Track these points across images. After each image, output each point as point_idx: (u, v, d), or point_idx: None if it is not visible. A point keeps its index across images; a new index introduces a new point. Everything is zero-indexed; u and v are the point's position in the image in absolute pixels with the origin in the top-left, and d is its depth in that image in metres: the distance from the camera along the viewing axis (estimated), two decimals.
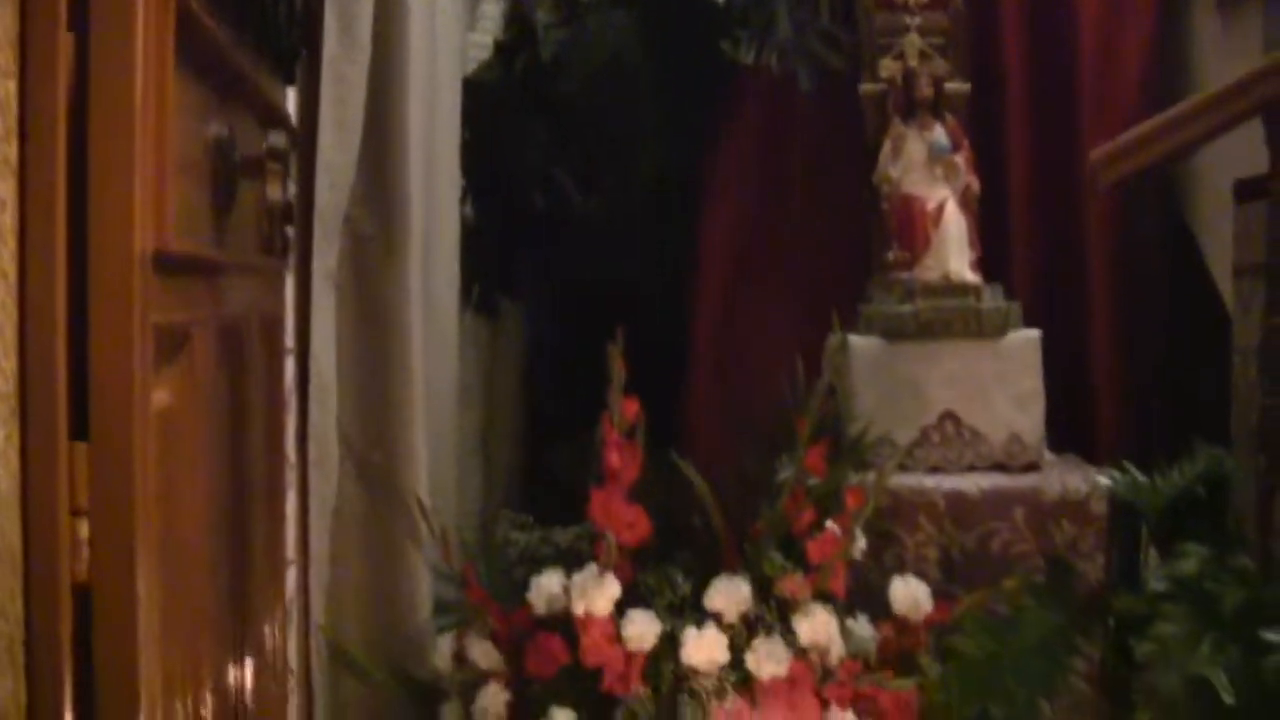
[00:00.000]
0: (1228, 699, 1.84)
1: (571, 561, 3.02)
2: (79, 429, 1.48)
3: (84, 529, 1.47)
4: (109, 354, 1.49)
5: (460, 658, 3.02)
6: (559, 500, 3.27)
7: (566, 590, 2.93)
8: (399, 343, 3.10)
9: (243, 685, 2.14)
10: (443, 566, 3.13)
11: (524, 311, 4.03)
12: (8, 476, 1.39)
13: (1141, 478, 2.44)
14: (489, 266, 3.72)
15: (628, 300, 3.69)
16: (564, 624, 2.93)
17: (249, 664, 2.19)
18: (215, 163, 1.90)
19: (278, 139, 2.07)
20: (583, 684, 2.89)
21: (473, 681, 3.00)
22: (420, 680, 3.09)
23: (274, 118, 2.18)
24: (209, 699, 1.92)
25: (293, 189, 2.69)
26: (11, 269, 1.41)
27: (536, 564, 3.06)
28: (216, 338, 1.97)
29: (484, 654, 2.98)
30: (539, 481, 3.76)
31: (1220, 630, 1.99)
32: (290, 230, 2.66)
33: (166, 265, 1.61)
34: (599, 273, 3.84)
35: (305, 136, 2.81)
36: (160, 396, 1.63)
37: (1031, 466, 3.45)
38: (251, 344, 2.22)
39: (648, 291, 3.86)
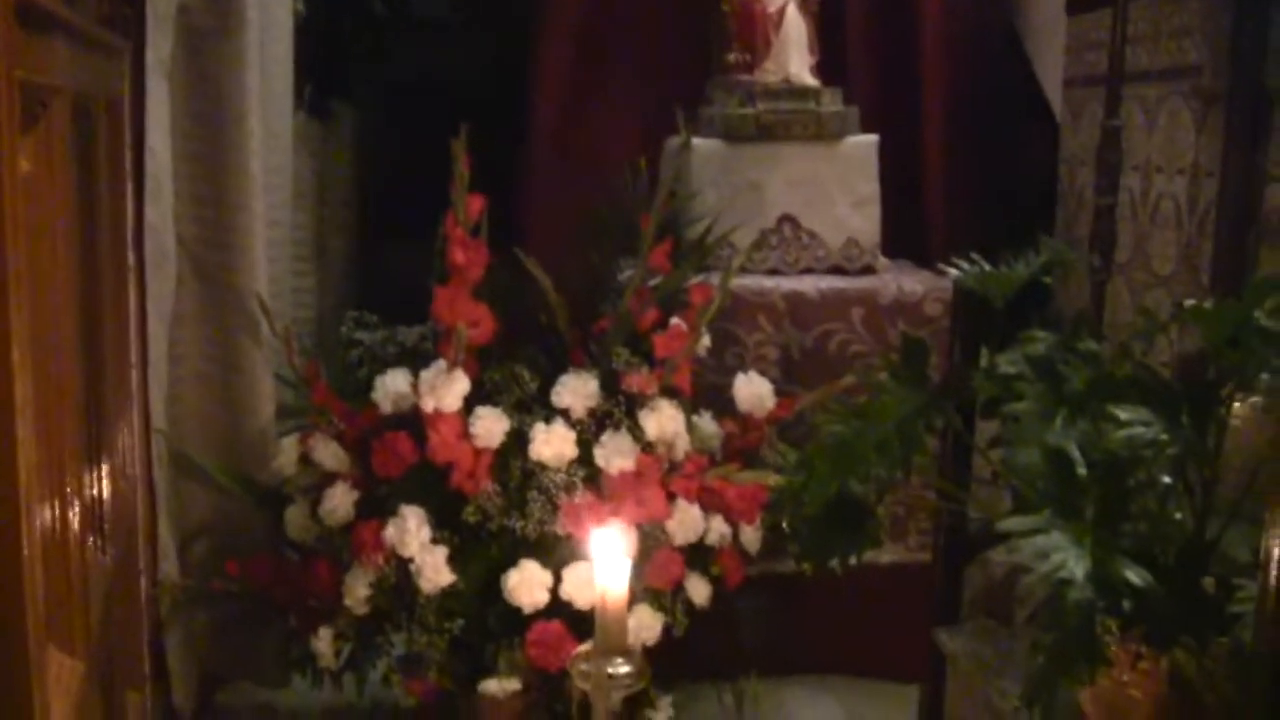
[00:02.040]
0: (1081, 470, 1.90)
1: (417, 361, 2.99)
2: None
3: None
4: None
5: (305, 459, 2.98)
6: (397, 301, 3.22)
7: (413, 388, 2.90)
8: (237, 140, 3.00)
9: (99, 483, 2.09)
10: (285, 368, 3.08)
11: (357, 113, 3.93)
12: None
13: (989, 268, 2.49)
14: (322, 66, 3.61)
15: (464, 101, 3.62)
16: (411, 422, 2.91)
17: (105, 466, 2.14)
18: None
19: None
20: (431, 482, 2.88)
21: (319, 483, 2.97)
22: (264, 483, 3.05)
23: None
24: (73, 494, 1.87)
25: None
26: None
27: (381, 363, 3.02)
28: (70, 112, 1.89)
29: (330, 454, 2.95)
30: (375, 282, 3.71)
31: (1071, 406, 2.05)
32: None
33: (29, 19, 1.53)
34: (435, 73, 3.76)
35: None
36: (21, 164, 1.56)
37: (868, 269, 3.51)
38: (100, 126, 2.14)
39: (485, 92, 3.79)
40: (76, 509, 1.86)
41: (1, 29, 1.44)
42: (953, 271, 2.61)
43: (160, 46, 2.81)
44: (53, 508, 1.71)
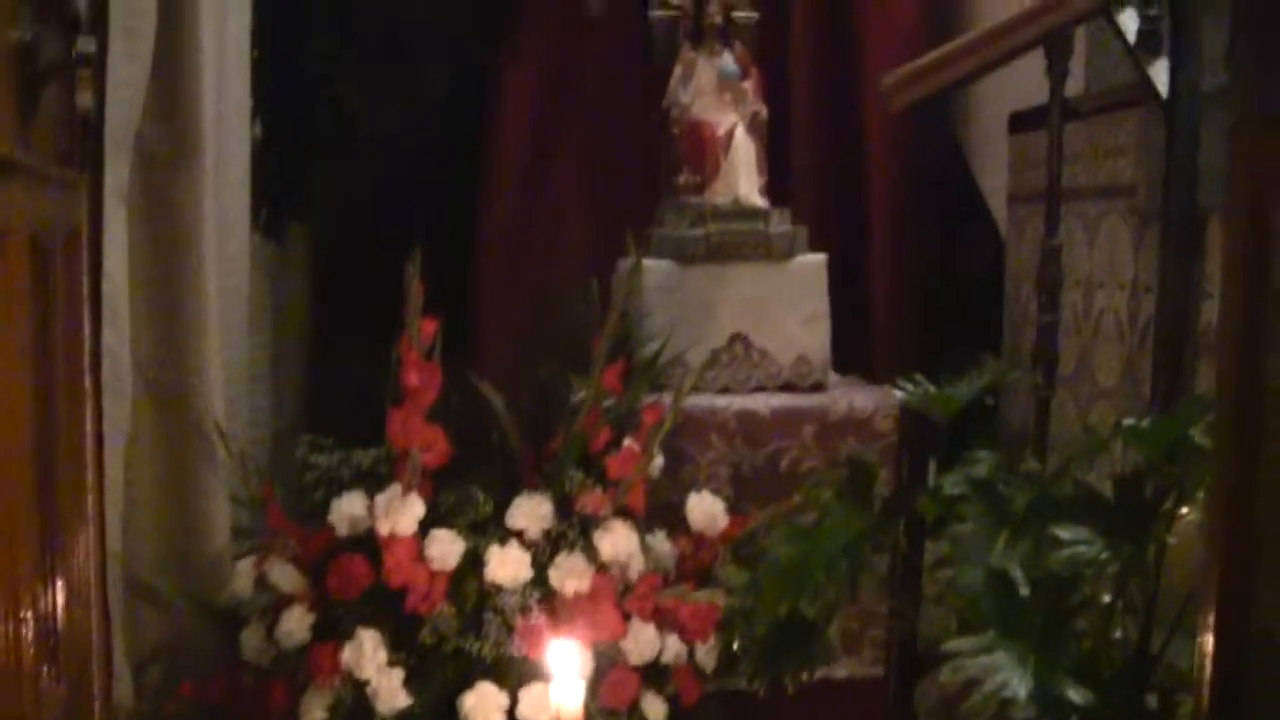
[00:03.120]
0: (1023, 590, 1.95)
1: (371, 483, 3.01)
2: None
3: None
4: None
5: (261, 582, 2.99)
6: (351, 422, 3.24)
7: (369, 511, 2.92)
8: (192, 264, 3.04)
9: (54, 609, 2.10)
10: (240, 491, 3.10)
11: (311, 233, 3.98)
12: None
13: (933, 388, 2.55)
14: (277, 188, 3.66)
15: (417, 218, 3.68)
16: (367, 545, 2.93)
17: (59, 587, 2.14)
18: (20, 68, 1.85)
19: (88, 45, 2.01)
20: (387, 604, 2.90)
21: (274, 605, 2.97)
22: (219, 605, 3.05)
23: (82, 23, 2.13)
24: (27, 619, 1.88)
25: None
26: None
27: (336, 486, 3.04)
28: (28, 249, 1.92)
29: (285, 577, 2.96)
30: (330, 404, 3.73)
31: (1013, 527, 2.10)
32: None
33: None
34: (387, 191, 3.82)
35: (97, 46, 2.73)
36: None
37: (818, 386, 3.56)
38: (56, 262, 2.17)
39: (438, 208, 3.85)
40: (31, 636, 1.87)
41: None
42: (898, 393, 2.67)
43: (118, 174, 2.85)
44: (6, 635, 1.72)
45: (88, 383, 2.70)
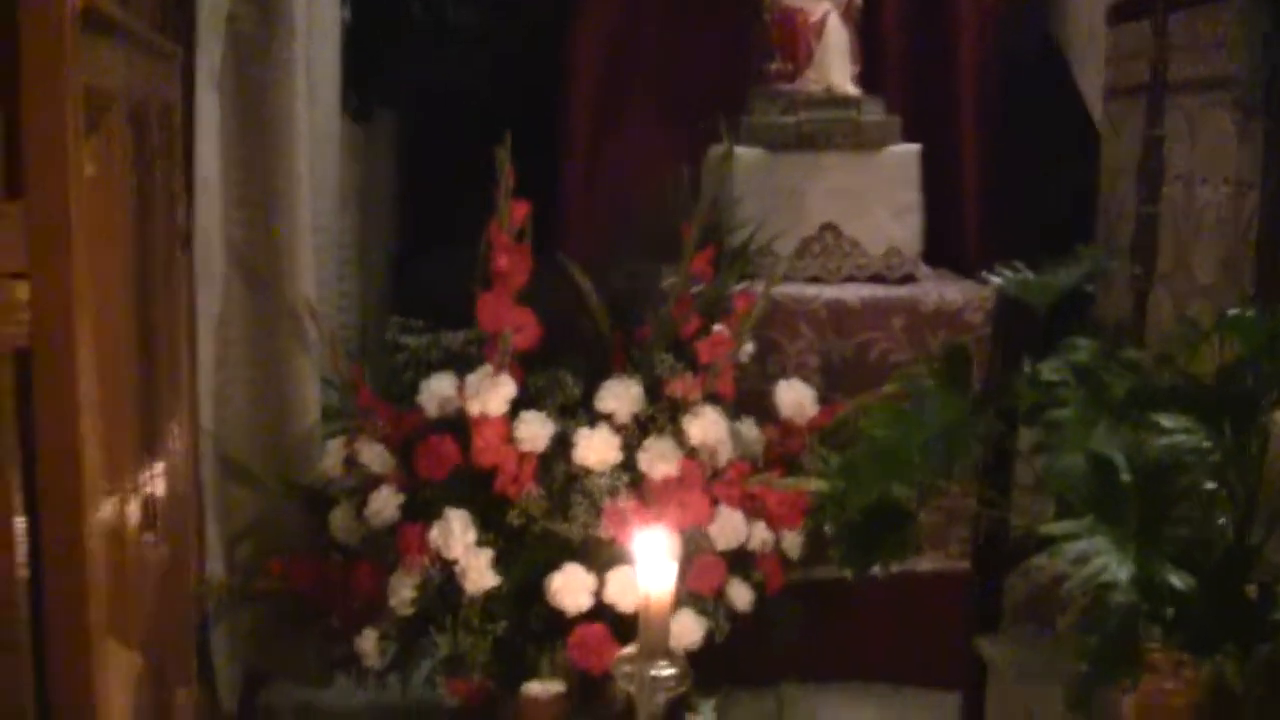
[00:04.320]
0: (1124, 476, 1.91)
1: (461, 365, 3.02)
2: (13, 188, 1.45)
3: (22, 291, 1.44)
4: (42, 111, 1.45)
5: (350, 462, 3.01)
6: (438, 304, 3.25)
7: (459, 392, 2.93)
8: (283, 146, 3.04)
9: (155, 484, 2.13)
10: (330, 372, 3.11)
11: (399, 118, 3.97)
12: None
13: (1031, 275, 2.51)
14: (366, 72, 3.64)
15: (505, 102, 3.67)
16: (456, 426, 2.94)
17: (160, 464, 2.17)
18: None
19: None
20: (475, 485, 2.91)
21: (363, 485, 3.00)
22: (309, 485, 3.08)
23: None
24: (131, 487, 1.91)
25: None
26: None
27: (426, 367, 3.05)
28: (127, 115, 1.92)
29: (375, 457, 2.98)
30: (417, 286, 3.74)
31: (1113, 414, 2.06)
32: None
33: (90, 22, 1.56)
34: (474, 76, 3.79)
35: None
36: (85, 167, 1.60)
37: (909, 278, 3.52)
38: (151, 131, 2.17)
39: (525, 95, 3.83)
40: (134, 505, 1.90)
41: (66, 33, 1.47)
42: (995, 279, 2.63)
43: (210, 53, 2.85)
44: (112, 503, 1.74)
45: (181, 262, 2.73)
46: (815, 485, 2.83)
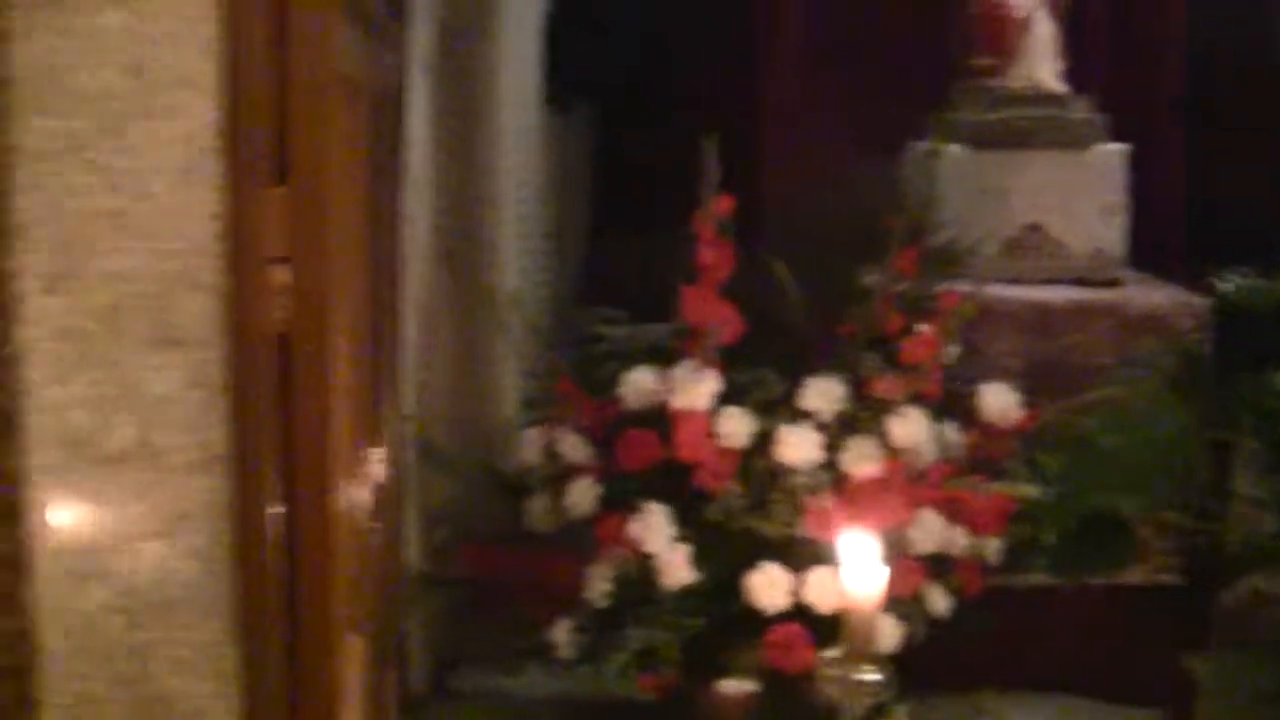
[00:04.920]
0: None
1: (661, 358, 3.00)
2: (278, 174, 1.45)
3: (285, 276, 1.45)
4: (307, 98, 1.45)
5: (549, 451, 3.01)
6: (631, 295, 3.23)
7: (661, 385, 2.91)
8: (489, 133, 3.06)
9: (378, 471, 2.14)
10: (530, 361, 3.12)
11: (593, 106, 3.97)
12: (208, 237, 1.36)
13: (1259, 281, 2.42)
14: (564, 60, 3.64)
15: (704, 96, 3.65)
16: (656, 419, 2.92)
17: (382, 451, 2.18)
18: None
19: None
20: (674, 479, 2.89)
21: (561, 475, 2.99)
22: (506, 473, 3.09)
23: None
24: (362, 482, 1.91)
25: None
26: (214, 13, 1.36)
27: (626, 359, 3.03)
28: (369, 106, 1.93)
29: (574, 447, 2.97)
30: (611, 276, 3.73)
31: None
32: None
33: (352, 15, 1.57)
34: (672, 68, 3.78)
35: None
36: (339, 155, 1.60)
37: (1114, 281, 3.43)
38: (384, 117, 2.18)
39: (723, 87, 3.80)
40: (365, 492, 1.91)
41: (336, 26, 1.48)
42: (1221, 285, 2.55)
43: (422, 41, 2.87)
44: (352, 491, 1.75)
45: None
46: (1027, 491, 2.77)
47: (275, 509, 1.43)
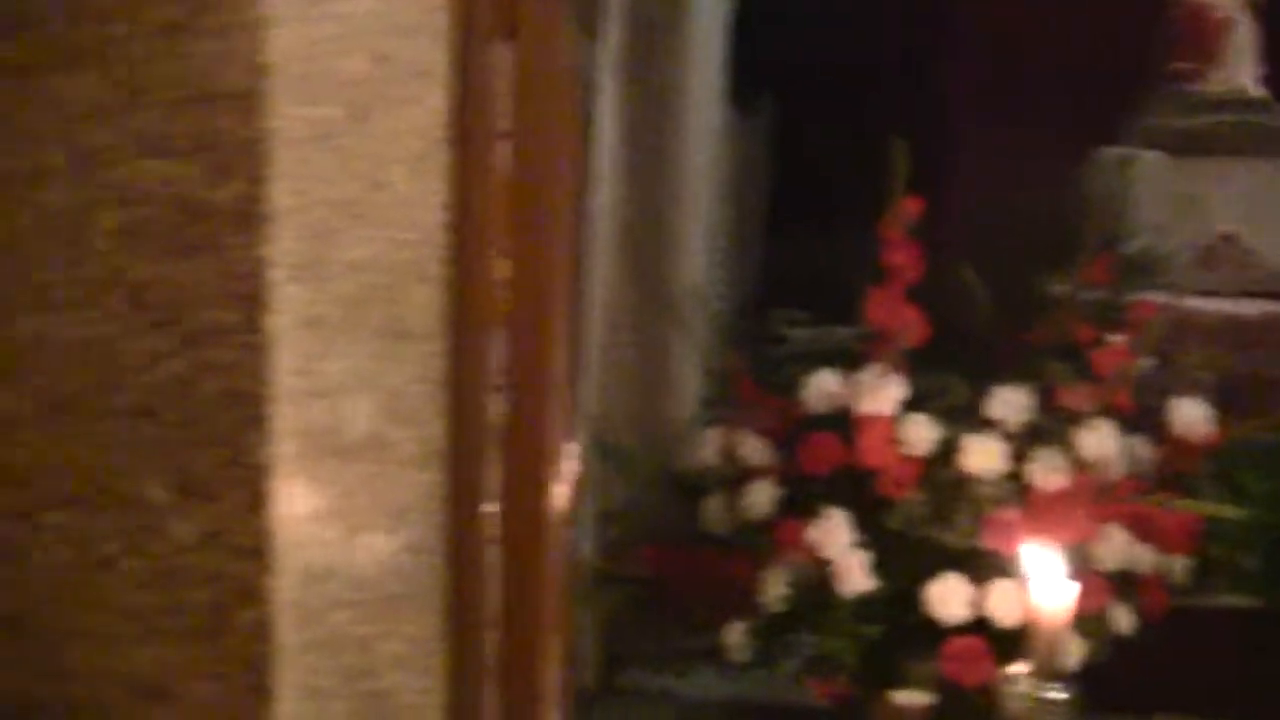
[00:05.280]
0: None
1: (843, 361, 2.96)
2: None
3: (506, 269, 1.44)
4: (537, 91, 1.44)
5: (728, 452, 2.98)
6: (806, 296, 3.20)
7: (844, 388, 2.87)
8: (675, 132, 3.04)
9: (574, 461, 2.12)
10: (709, 360, 3.10)
11: (775, 103, 3.94)
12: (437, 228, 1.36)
13: None
14: (748, 57, 3.61)
15: (887, 96, 3.60)
16: (837, 423, 2.88)
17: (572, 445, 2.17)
18: None
19: None
20: (855, 484, 2.85)
21: (739, 477, 2.96)
22: (683, 472, 3.07)
23: None
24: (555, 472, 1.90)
25: None
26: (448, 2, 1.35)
27: (808, 361, 3.00)
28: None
29: (754, 449, 2.94)
30: (790, 275, 3.69)
31: None
32: None
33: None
34: (856, 68, 3.73)
35: None
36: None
37: None
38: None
39: (907, 87, 3.75)
40: (565, 490, 1.89)
41: (558, 17, 1.47)
42: None
43: (613, 39, 2.86)
44: (556, 488, 1.74)
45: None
46: (1230, 512, 2.68)
47: (490, 505, 1.42)
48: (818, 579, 2.84)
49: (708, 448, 3.02)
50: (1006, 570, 2.75)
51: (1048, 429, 2.86)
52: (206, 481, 1.24)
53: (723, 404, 3.09)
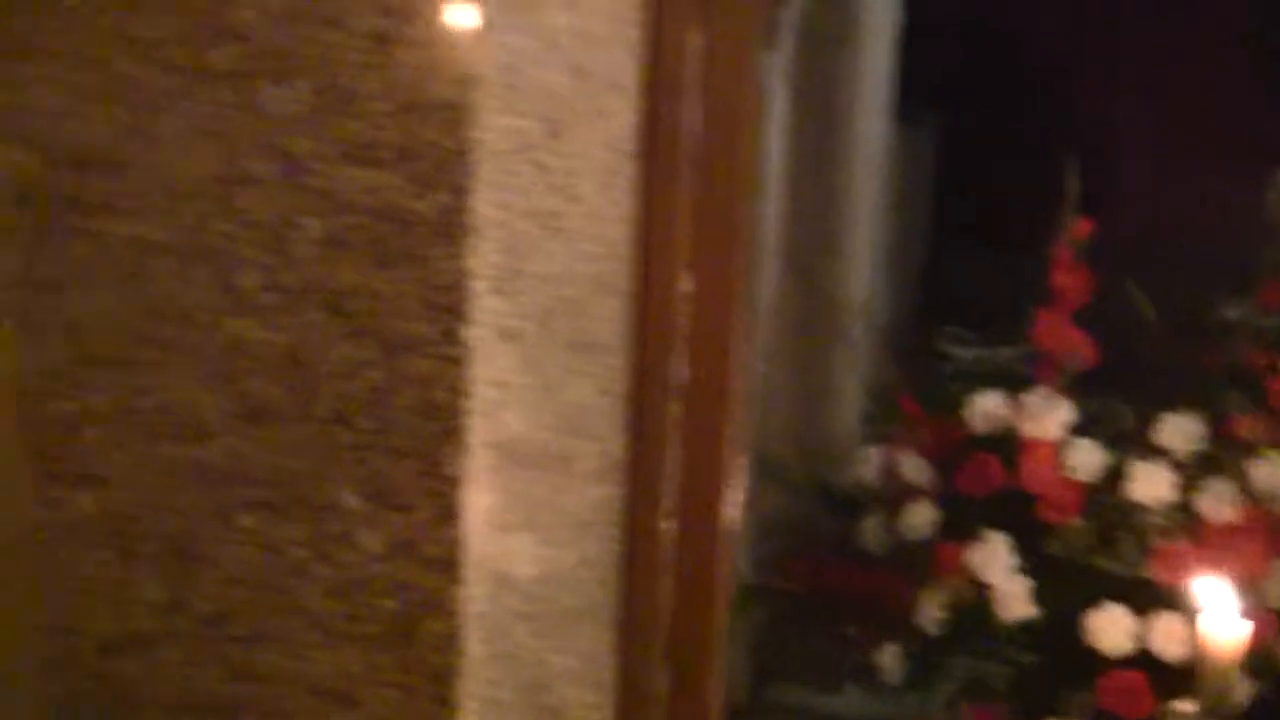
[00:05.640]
0: None
1: (1008, 382, 2.91)
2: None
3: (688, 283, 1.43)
4: (727, 108, 1.43)
5: (888, 471, 2.95)
6: (968, 313, 3.15)
7: (1008, 410, 2.83)
8: (843, 144, 3.02)
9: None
10: (872, 375, 3.07)
11: (943, 120, 3.89)
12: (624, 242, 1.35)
13: None
14: (914, 71, 3.57)
15: (1053, 114, 3.54)
16: (999, 445, 2.84)
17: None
18: None
19: None
20: (1017, 509, 2.80)
21: (897, 495, 2.93)
22: (840, 489, 3.04)
23: None
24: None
25: None
26: (640, 15, 1.35)
27: (971, 380, 2.96)
28: None
29: (915, 469, 2.91)
30: (948, 293, 3.65)
31: None
32: None
33: None
34: (1024, 85, 3.68)
35: None
36: None
37: None
38: None
39: (1075, 104, 3.69)
40: (736, 507, 1.88)
41: (752, 35, 1.46)
42: None
43: (783, 51, 2.84)
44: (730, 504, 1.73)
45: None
46: None
47: (667, 521, 1.42)
48: (976, 603, 2.80)
49: (867, 465, 2.99)
50: (1171, 603, 2.68)
51: (1219, 459, 2.78)
52: (399, 491, 1.25)
53: (883, 420, 3.06)
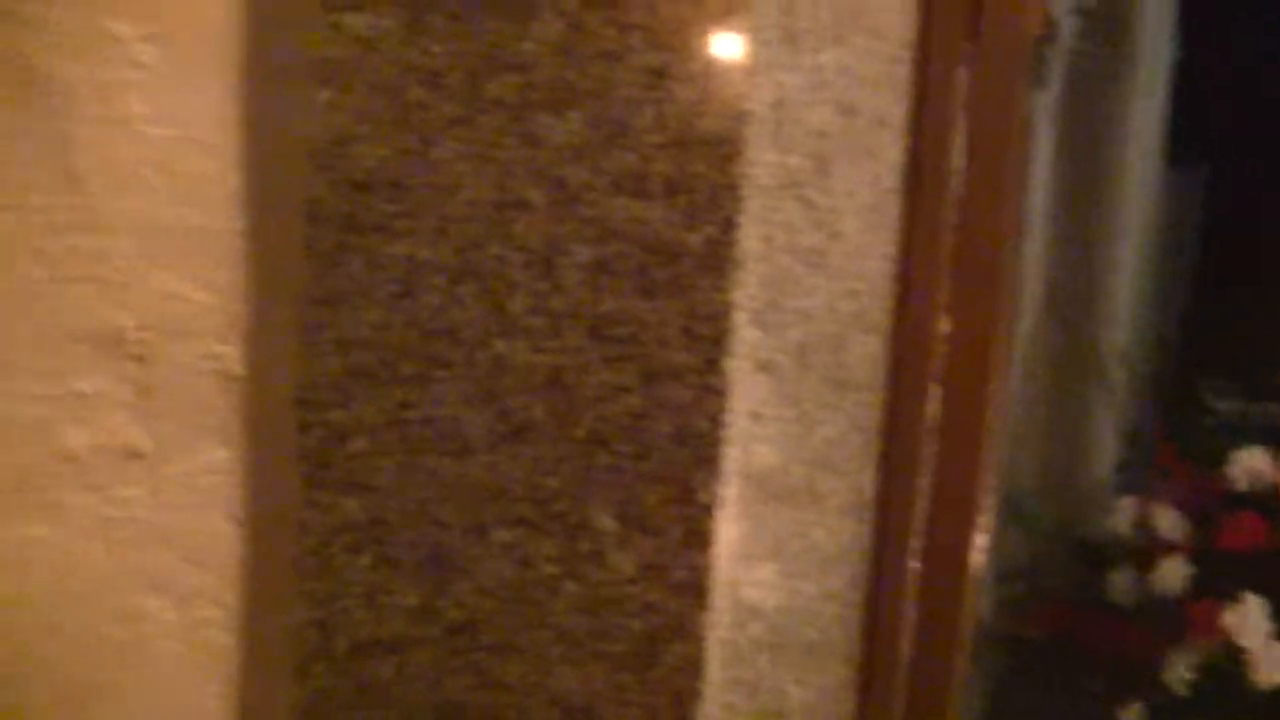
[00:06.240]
0: None
1: (1273, 438, 2.81)
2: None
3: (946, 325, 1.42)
4: (993, 151, 1.42)
5: (1142, 523, 2.87)
6: (1234, 361, 3.04)
7: (1273, 468, 2.73)
8: (1112, 187, 2.95)
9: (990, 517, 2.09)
10: (1130, 423, 2.99)
11: (1212, 167, 3.78)
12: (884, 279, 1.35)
13: None
14: (1187, 112, 3.48)
15: None
16: (1262, 503, 2.74)
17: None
18: None
19: None
20: (1272, 570, 2.70)
21: (1148, 547, 2.85)
22: (1091, 538, 2.97)
23: None
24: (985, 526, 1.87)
25: None
26: (910, 54, 1.35)
27: (1238, 435, 2.86)
28: None
29: (1170, 522, 2.82)
30: (1213, 339, 3.53)
31: None
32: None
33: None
34: None
35: None
36: None
37: None
38: None
39: None
40: (982, 548, 1.86)
41: (1019, 77, 1.44)
42: None
43: (1051, 87, 2.80)
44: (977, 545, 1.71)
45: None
46: None
47: (912, 560, 1.41)
48: (1229, 666, 2.70)
49: (1121, 516, 2.91)
50: None
51: None
52: (652, 515, 1.27)
53: (1138, 470, 2.98)
